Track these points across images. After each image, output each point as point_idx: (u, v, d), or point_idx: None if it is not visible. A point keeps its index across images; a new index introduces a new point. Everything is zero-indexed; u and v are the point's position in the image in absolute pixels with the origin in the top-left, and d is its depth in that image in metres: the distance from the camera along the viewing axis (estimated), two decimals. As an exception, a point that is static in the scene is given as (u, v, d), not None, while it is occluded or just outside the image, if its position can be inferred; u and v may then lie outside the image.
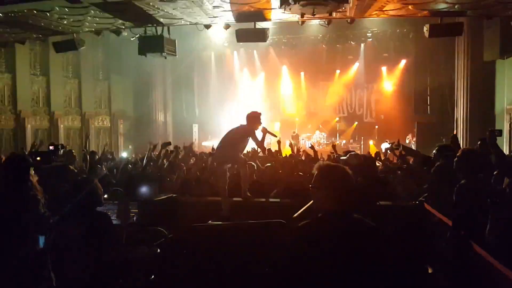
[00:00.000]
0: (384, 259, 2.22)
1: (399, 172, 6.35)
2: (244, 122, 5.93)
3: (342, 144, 17.77)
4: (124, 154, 12.96)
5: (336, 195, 2.27)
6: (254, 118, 5.89)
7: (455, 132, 13.74)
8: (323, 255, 2.16)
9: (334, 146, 8.50)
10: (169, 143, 8.28)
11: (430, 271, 4.12)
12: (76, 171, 6.04)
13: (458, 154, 4.00)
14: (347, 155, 5.18)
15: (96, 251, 3.18)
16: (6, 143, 13.73)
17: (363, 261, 2.14)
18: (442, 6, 7.92)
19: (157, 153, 7.91)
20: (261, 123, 5.90)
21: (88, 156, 7.05)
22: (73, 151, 7.85)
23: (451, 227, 3.80)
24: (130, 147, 17.06)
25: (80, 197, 3.23)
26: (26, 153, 6.53)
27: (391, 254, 2.33)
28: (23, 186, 3.20)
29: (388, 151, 7.87)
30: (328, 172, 2.34)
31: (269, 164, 6.75)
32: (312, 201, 2.53)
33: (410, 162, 6.56)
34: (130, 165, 8.15)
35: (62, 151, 6.20)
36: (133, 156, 12.14)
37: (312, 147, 8.66)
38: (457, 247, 3.63)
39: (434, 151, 5.08)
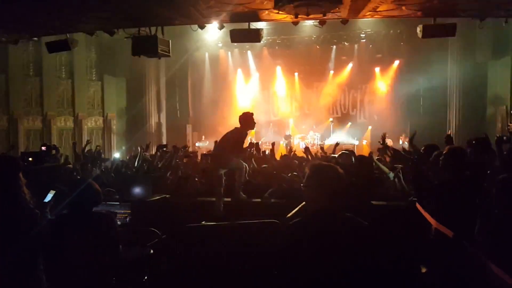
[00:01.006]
0: (376, 258, 2.23)
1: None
2: (238, 125, 5.95)
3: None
4: (117, 155, 12.90)
5: (327, 194, 2.28)
6: (247, 119, 5.90)
7: (448, 132, 13.84)
8: (313, 253, 2.16)
9: (322, 148, 8.59)
10: (165, 145, 8.30)
11: (423, 270, 4.13)
12: (71, 168, 6.05)
13: (444, 152, 4.04)
14: (338, 154, 5.22)
15: (94, 252, 3.15)
16: (-2, 144, 13.63)
17: (355, 260, 2.15)
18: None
19: (149, 153, 7.91)
20: (254, 123, 5.91)
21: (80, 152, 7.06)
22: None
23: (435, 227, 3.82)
24: (123, 147, 16.97)
25: (76, 196, 3.21)
26: (19, 153, 6.51)
27: (383, 253, 2.34)
28: (11, 188, 3.15)
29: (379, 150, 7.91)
30: (319, 172, 2.36)
31: (265, 166, 6.77)
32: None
33: None
34: (123, 166, 8.12)
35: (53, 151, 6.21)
36: (127, 157, 12.09)
37: (307, 148, 8.67)
38: (444, 246, 3.65)
39: (421, 150, 5.16)
